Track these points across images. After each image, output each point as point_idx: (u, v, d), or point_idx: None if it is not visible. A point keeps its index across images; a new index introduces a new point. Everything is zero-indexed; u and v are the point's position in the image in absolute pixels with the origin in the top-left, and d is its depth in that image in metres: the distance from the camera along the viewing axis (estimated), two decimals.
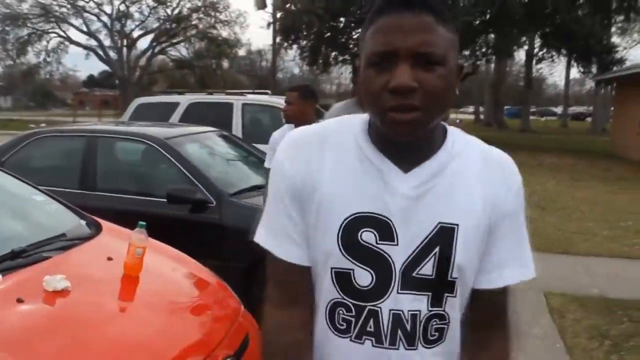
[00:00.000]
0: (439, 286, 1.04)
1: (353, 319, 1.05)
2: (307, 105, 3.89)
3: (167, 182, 4.23)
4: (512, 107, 49.14)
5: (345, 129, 1.09)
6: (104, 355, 1.89)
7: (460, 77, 1.05)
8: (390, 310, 1.04)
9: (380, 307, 1.04)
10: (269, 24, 25.87)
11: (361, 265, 1.03)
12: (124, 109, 9.78)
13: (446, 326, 1.07)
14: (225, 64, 50.37)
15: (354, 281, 1.04)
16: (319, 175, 1.05)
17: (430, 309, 1.04)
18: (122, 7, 41.63)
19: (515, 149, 20.39)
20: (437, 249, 1.03)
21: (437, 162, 1.05)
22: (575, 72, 38.22)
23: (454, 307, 1.07)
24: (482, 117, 38.11)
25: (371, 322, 1.04)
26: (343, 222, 1.03)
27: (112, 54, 43.10)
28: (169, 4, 42.14)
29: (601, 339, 4.12)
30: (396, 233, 1.02)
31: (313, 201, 1.05)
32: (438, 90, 0.96)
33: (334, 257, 1.04)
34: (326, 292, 1.07)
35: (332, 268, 1.05)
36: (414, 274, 1.03)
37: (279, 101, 8.27)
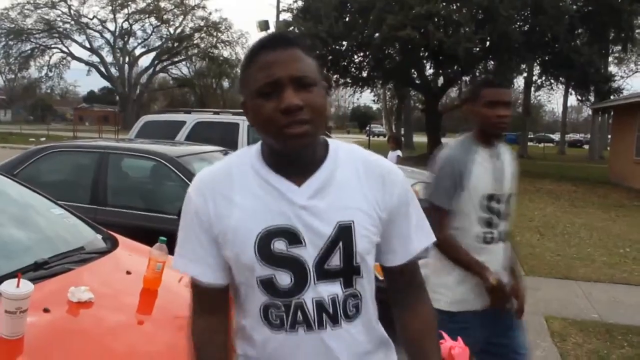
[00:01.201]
0: (348, 272, 1.27)
1: (284, 314, 1.26)
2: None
3: (176, 199, 4.30)
4: (510, 133, 49.45)
5: (243, 160, 1.31)
6: None
7: (328, 95, 1.34)
8: (312, 299, 1.25)
9: (304, 299, 1.25)
10: None
11: (279, 269, 1.25)
12: (124, 126, 9.88)
13: (359, 302, 1.30)
14: (226, 83, 50.80)
15: (277, 284, 1.25)
16: (229, 208, 1.26)
17: (344, 290, 1.27)
18: (126, 25, 42.04)
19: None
20: (340, 244, 1.25)
21: (324, 172, 1.28)
22: (572, 100, 38.57)
23: (363, 285, 1.30)
24: None
25: (299, 313, 1.25)
26: (256, 238, 1.24)
27: (114, 71, 43.42)
28: (171, 23, 42.64)
29: None
30: (302, 237, 1.24)
31: (229, 232, 1.26)
32: (319, 105, 1.21)
33: (257, 268, 1.25)
34: (257, 298, 1.27)
35: (257, 278, 1.26)
36: (325, 267, 1.25)
37: None
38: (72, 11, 40.73)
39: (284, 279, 1.24)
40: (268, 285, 1.25)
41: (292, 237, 1.24)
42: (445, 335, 2.07)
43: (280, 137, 1.19)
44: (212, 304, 1.32)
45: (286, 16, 24.82)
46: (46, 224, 3.05)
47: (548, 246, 8.38)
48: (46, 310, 2.09)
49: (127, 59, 43.68)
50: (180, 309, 2.58)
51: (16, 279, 1.91)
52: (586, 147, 42.64)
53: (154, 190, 4.86)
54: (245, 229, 1.24)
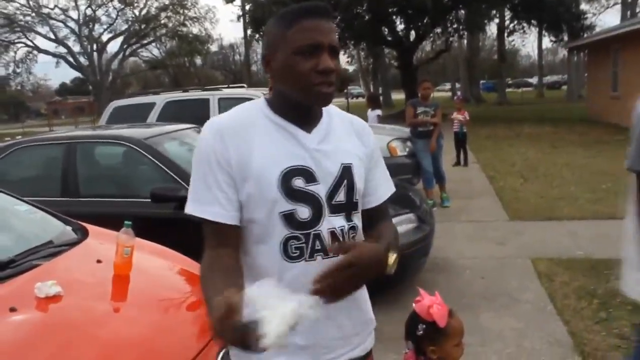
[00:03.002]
0: (349, 207, 1.46)
1: (304, 245, 1.39)
2: None
3: (149, 182, 4.22)
4: (487, 81, 49.45)
5: (253, 111, 1.46)
6: (100, 357, 1.90)
7: None
8: (328, 229, 1.41)
9: (320, 230, 1.40)
10: (238, 17, 25.75)
11: (300, 204, 1.39)
12: (100, 114, 9.70)
13: (356, 233, 1.48)
14: (199, 61, 50.03)
15: (297, 217, 1.39)
16: (250, 152, 1.38)
17: (348, 223, 1.45)
18: (89, 12, 41.04)
19: (494, 122, 20.64)
20: (345, 182, 1.44)
21: (325, 123, 1.48)
22: (547, 42, 38.48)
23: (359, 218, 1.50)
24: (458, 93, 38.29)
25: (317, 242, 1.40)
26: (279, 176, 1.38)
27: (83, 60, 42.53)
28: (135, 4, 41.59)
29: (589, 299, 4.22)
30: (316, 176, 1.41)
31: (251, 171, 1.37)
32: (339, 73, 1.39)
33: (279, 203, 1.37)
34: (278, 233, 1.39)
35: (279, 212, 1.38)
36: (333, 202, 1.43)
37: (255, 93, 8.27)
38: (31, 3, 39.64)
39: (304, 212, 1.39)
40: (290, 218, 1.38)
41: (309, 175, 1.40)
42: (422, 291, 2.04)
43: (311, 92, 1.36)
44: (223, 240, 1.38)
45: None
46: (11, 221, 2.98)
47: (531, 189, 8.42)
48: (12, 309, 2.04)
49: (94, 47, 42.75)
50: (156, 290, 2.56)
51: None
52: (565, 87, 42.70)
53: (124, 176, 4.76)
54: (268, 168, 1.37)
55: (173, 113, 7.75)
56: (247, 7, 24.89)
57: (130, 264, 2.48)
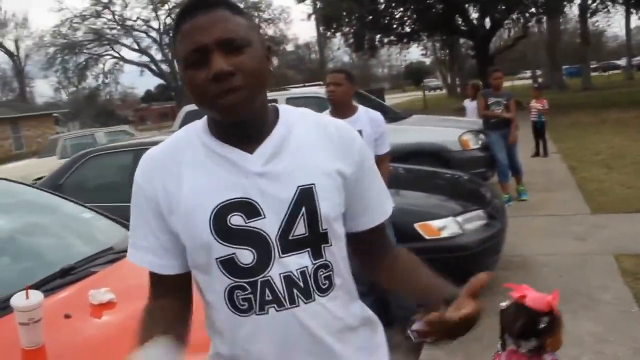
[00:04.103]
0: (315, 240, 1.17)
1: (251, 295, 1.15)
2: (353, 88, 3.84)
3: None
4: (571, 66, 47.16)
5: (190, 134, 1.22)
6: None
7: (271, 56, 1.20)
8: (280, 274, 1.15)
9: (270, 276, 1.15)
10: (309, 16, 25.88)
11: (240, 247, 1.14)
12: None
13: (332, 273, 1.20)
14: (275, 61, 50.82)
15: (238, 263, 1.15)
16: (178, 187, 1.17)
17: (314, 262, 1.17)
18: (169, 20, 42.62)
19: (578, 108, 19.65)
20: (303, 209, 1.15)
21: (277, 137, 1.18)
22: (636, 20, 36.22)
23: (333, 254, 1.20)
24: (540, 80, 36.73)
25: (267, 291, 1.15)
26: (210, 215, 1.14)
27: (165, 67, 44.28)
28: None
29: None
30: (261, 208, 1.14)
31: (180, 211, 1.16)
32: (253, 68, 1.10)
33: (214, 248, 1.14)
34: (219, 282, 1.17)
35: (216, 259, 1.15)
36: (290, 237, 1.15)
37: (321, 91, 8.24)
38: (116, 17, 41.72)
39: (246, 256, 1.14)
40: (229, 265, 1.15)
41: (250, 209, 1.14)
42: (513, 285, 1.94)
43: (215, 107, 1.11)
44: (167, 290, 1.24)
45: None
46: (76, 229, 3.09)
47: (617, 179, 7.90)
48: (67, 316, 2.10)
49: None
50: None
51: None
52: None
53: None
54: (197, 206, 1.15)
55: None
56: (318, 5, 24.98)
57: None
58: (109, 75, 45.40)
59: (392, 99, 37.13)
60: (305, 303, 1.16)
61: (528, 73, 51.22)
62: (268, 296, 1.15)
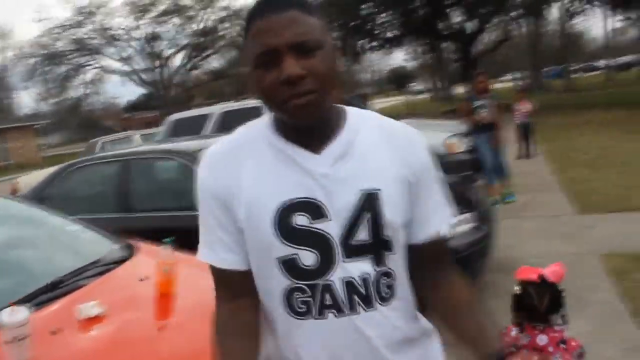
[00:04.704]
0: (377, 247, 1.14)
1: (310, 299, 1.13)
2: (340, 93, 3.82)
3: None
4: (553, 68, 47.63)
5: (254, 132, 1.20)
6: None
7: (340, 56, 1.18)
8: (342, 279, 1.12)
9: (332, 280, 1.12)
10: None
11: (302, 248, 1.12)
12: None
13: (394, 282, 1.17)
14: None
15: (300, 264, 1.12)
16: (240, 182, 1.15)
17: (376, 269, 1.14)
18: (150, 30, 42.48)
19: (561, 110, 19.82)
20: (367, 215, 1.12)
21: (344, 138, 1.15)
22: (616, 21, 36.67)
23: (396, 262, 1.18)
24: (522, 82, 37.05)
25: (327, 296, 1.12)
26: (275, 214, 1.12)
27: (148, 76, 44.08)
28: (196, 19, 42.73)
29: None
30: (326, 210, 1.12)
31: (241, 207, 1.14)
32: (324, 72, 1.08)
33: (276, 247, 1.12)
34: (278, 282, 1.14)
35: (276, 259, 1.13)
36: (352, 242, 1.12)
37: None
38: (97, 26, 41.44)
39: (309, 258, 1.12)
40: (290, 266, 1.13)
41: (315, 210, 1.11)
42: (525, 267, 2.01)
43: (285, 110, 1.09)
44: (235, 289, 1.20)
45: None
46: (61, 242, 3.04)
47: (602, 179, 7.97)
48: (54, 332, 2.06)
49: (157, 63, 44.19)
50: (201, 308, 2.54)
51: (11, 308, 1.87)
52: (637, 68, 40.51)
53: (178, 190, 4.81)
54: (261, 203, 1.12)
55: (229, 123, 7.80)
56: None
57: (172, 281, 2.46)
58: (90, 86, 45.09)
59: (376, 104, 37.26)
60: (366, 311, 1.14)
61: (511, 75, 51.65)
62: (328, 301, 1.12)
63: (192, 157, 4.43)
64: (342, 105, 1.22)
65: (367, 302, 1.14)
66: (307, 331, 1.14)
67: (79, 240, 3.07)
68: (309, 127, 1.13)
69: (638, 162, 8.84)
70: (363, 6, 22.44)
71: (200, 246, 1.22)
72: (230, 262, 1.18)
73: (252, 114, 7.06)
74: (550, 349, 1.93)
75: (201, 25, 43.14)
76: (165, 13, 41.66)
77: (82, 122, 58.41)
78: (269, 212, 1.12)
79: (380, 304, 1.15)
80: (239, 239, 1.17)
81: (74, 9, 40.00)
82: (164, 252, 2.48)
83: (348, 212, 1.12)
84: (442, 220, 1.24)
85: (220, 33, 43.69)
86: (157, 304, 2.45)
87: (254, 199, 1.13)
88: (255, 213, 1.13)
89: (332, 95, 1.11)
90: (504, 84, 46.14)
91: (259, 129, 1.20)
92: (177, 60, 45.08)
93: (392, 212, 1.14)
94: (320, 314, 1.13)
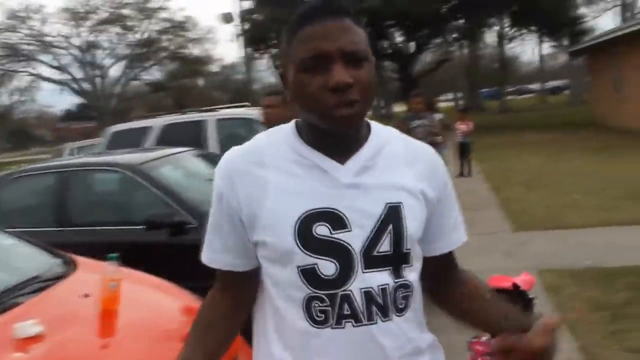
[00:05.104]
0: (397, 259, 1.15)
1: (329, 308, 1.13)
2: (287, 110, 3.83)
3: (144, 208, 4.15)
4: (489, 89, 49.34)
5: (277, 139, 1.20)
6: None
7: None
8: (360, 289, 1.12)
9: (351, 290, 1.12)
10: (237, 37, 25.86)
11: (323, 257, 1.12)
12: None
13: (410, 293, 1.18)
14: (201, 81, 50.26)
15: (320, 274, 1.12)
16: (263, 192, 1.14)
17: (395, 280, 1.15)
18: (90, 38, 41.36)
19: (497, 130, 20.53)
20: (390, 227, 1.13)
21: (369, 151, 1.17)
22: (548, 47, 38.49)
23: (413, 275, 1.19)
24: (461, 102, 38.20)
25: (346, 305, 1.12)
26: (296, 223, 1.11)
27: (86, 86, 42.83)
28: (136, 29, 41.92)
29: (600, 311, 4.08)
30: (348, 220, 1.12)
31: (264, 216, 1.13)
32: (369, 83, 1.09)
33: (297, 256, 1.11)
34: (297, 291, 1.14)
35: (297, 267, 1.12)
36: (374, 253, 1.13)
37: (253, 113, 8.20)
38: (33, 32, 40.01)
39: (329, 268, 1.12)
40: (310, 275, 1.12)
41: (337, 220, 1.12)
42: (497, 276, 2.10)
43: (327, 117, 1.08)
44: (228, 284, 1.25)
45: (247, 4, 24.46)
46: None
47: (537, 198, 8.29)
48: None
49: (97, 72, 43.03)
50: (146, 325, 2.47)
51: None
52: (567, 92, 42.50)
53: (119, 203, 4.69)
54: (282, 212, 1.12)
55: (171, 136, 7.68)
56: (246, 26, 25.01)
57: (118, 298, 2.39)
58: (24, 93, 43.42)
59: None
60: (383, 321, 1.14)
61: (449, 95, 53.14)
62: (346, 310, 1.12)
63: (136, 169, 4.33)
64: (366, 119, 1.23)
65: (384, 313, 1.14)
66: (326, 340, 1.14)
67: (14, 255, 2.93)
68: (340, 138, 1.13)
69: (569, 182, 9.25)
70: None
71: (205, 249, 1.25)
72: (232, 265, 1.22)
73: (194, 127, 6.99)
74: None
75: (142, 36, 42.33)
76: (104, 22, 40.68)
77: (13, 130, 56.08)
78: (290, 221, 1.12)
79: (396, 314, 1.16)
80: (242, 247, 1.19)
81: (7, 13, 38.36)
82: (110, 268, 2.40)
83: (371, 224, 1.13)
84: (459, 237, 1.29)
85: (162, 45, 43.00)
86: (100, 321, 2.37)
87: (277, 207, 1.13)
88: (276, 221, 1.13)
89: (370, 107, 1.14)
90: (443, 103, 47.39)
91: (283, 136, 1.20)
92: (116, 70, 44.07)
93: (413, 226, 1.16)
94: (338, 324, 1.13)
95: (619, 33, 17.93)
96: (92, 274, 2.74)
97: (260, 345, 1.24)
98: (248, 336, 1.34)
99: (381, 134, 1.21)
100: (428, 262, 1.26)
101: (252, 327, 1.28)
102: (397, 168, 1.18)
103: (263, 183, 1.14)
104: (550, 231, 6.46)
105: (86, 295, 2.49)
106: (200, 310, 1.29)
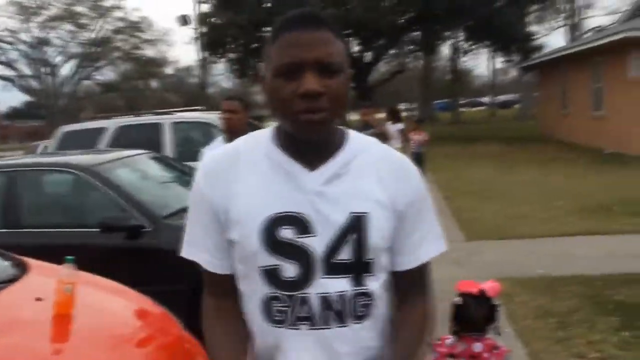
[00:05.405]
0: (358, 268, 1.18)
1: (287, 309, 1.17)
2: (247, 115, 3.83)
3: (99, 211, 4.06)
4: (442, 101, 50.36)
5: (254, 142, 1.25)
6: None
7: (350, 82, 1.22)
8: (318, 294, 1.16)
9: (309, 293, 1.16)
10: (194, 40, 25.62)
11: (285, 260, 1.16)
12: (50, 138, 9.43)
13: (371, 303, 1.21)
14: (154, 83, 49.47)
15: (281, 275, 1.17)
16: (235, 193, 1.19)
17: (354, 288, 1.18)
18: (41, 34, 40.17)
19: (449, 141, 20.93)
20: (352, 236, 1.16)
21: (341, 159, 1.20)
22: (500, 62, 39.61)
23: (375, 285, 1.21)
24: (414, 113, 38.83)
25: (303, 308, 1.17)
26: (262, 224, 1.16)
27: (35, 83, 41.54)
28: (89, 27, 40.96)
29: (548, 318, 4.23)
30: (312, 226, 1.16)
31: (233, 216, 1.19)
32: (340, 94, 1.13)
33: (260, 257, 1.17)
34: (259, 290, 1.19)
35: (259, 267, 1.17)
36: (334, 260, 1.16)
37: (210, 117, 8.14)
38: None
39: (289, 270, 1.17)
40: (271, 276, 1.17)
41: (302, 225, 1.16)
42: (463, 282, 2.18)
43: (294, 122, 1.13)
44: (221, 289, 1.27)
45: (205, 8, 24.26)
46: None
47: (487, 208, 8.50)
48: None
49: (46, 69, 41.80)
50: (102, 329, 2.42)
51: None
52: (516, 106, 43.79)
53: (73, 205, 4.58)
54: (250, 213, 1.17)
55: (126, 138, 7.55)
56: (203, 29, 24.79)
57: (72, 301, 2.32)
58: None
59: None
60: (338, 327, 1.18)
61: (403, 106, 53.91)
62: (303, 313, 1.17)
63: (91, 171, 4.23)
64: (344, 128, 1.27)
65: (340, 319, 1.18)
66: (281, 339, 1.19)
67: None
68: (310, 144, 1.17)
69: (518, 193, 9.53)
70: (263, 28, 22.60)
71: (185, 244, 1.28)
72: (214, 265, 1.25)
73: (150, 130, 6.91)
74: (486, 355, 2.08)
75: (95, 35, 41.38)
76: (55, 18, 39.55)
77: None
78: (256, 222, 1.16)
79: (353, 321, 1.19)
80: (222, 246, 1.23)
81: None
82: (65, 271, 2.33)
83: (334, 231, 1.16)
84: (433, 249, 1.28)
85: (115, 44, 42.12)
86: (54, 325, 2.30)
87: (245, 208, 1.18)
88: (245, 222, 1.17)
89: (339, 117, 1.18)
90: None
91: (261, 140, 1.24)
92: (67, 68, 42.90)
93: (377, 237, 1.18)
94: (294, 325, 1.17)
95: (565, 52, 18.65)
96: (45, 278, 2.67)
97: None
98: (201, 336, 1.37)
99: (357, 143, 1.24)
100: (400, 274, 1.27)
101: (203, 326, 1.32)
102: (368, 178, 1.20)
103: (236, 185, 1.19)
104: (501, 241, 6.64)
105: (39, 299, 2.42)
106: (210, 317, 1.29)
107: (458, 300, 2.31)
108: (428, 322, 1.33)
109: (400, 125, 10.32)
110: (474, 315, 2.24)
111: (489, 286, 2.26)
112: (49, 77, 42.11)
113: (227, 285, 1.26)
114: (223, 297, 1.27)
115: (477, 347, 2.20)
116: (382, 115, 11.03)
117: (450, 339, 2.26)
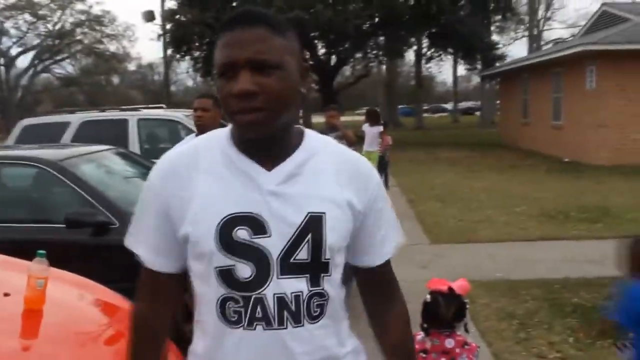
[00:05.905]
0: (315, 268, 1.18)
1: (242, 309, 1.16)
2: (220, 113, 3.80)
3: (64, 206, 3.98)
4: (405, 106, 50.92)
5: (213, 142, 1.24)
6: None
7: (307, 76, 1.23)
8: (274, 294, 1.16)
9: (264, 294, 1.15)
10: (159, 36, 25.26)
11: (240, 260, 1.15)
12: (8, 133, 9.17)
13: (325, 302, 1.20)
14: (116, 79, 48.63)
15: (236, 275, 1.16)
16: (191, 192, 1.18)
17: (310, 288, 1.18)
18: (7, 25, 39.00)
19: (413, 146, 21.21)
20: (309, 236, 1.16)
21: (297, 159, 1.19)
22: (462, 70, 40.32)
23: (331, 284, 1.21)
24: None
25: (259, 308, 1.16)
26: (218, 225, 1.15)
27: None
28: (49, 18, 39.98)
29: (510, 320, 4.35)
30: (268, 226, 1.15)
31: (189, 216, 1.17)
32: (278, 92, 1.11)
33: (216, 257, 1.15)
34: (214, 290, 1.18)
35: (215, 267, 1.16)
36: (291, 260, 1.16)
37: (175, 114, 8.07)
38: None
39: (245, 270, 1.15)
40: (227, 276, 1.16)
41: (257, 225, 1.15)
42: (435, 280, 2.24)
43: (234, 122, 1.15)
44: (156, 290, 1.27)
45: (171, 4, 23.98)
46: None
47: (450, 212, 8.65)
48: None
49: (1, 60, 40.57)
50: (72, 325, 2.38)
51: None
52: (478, 113, 44.61)
53: (37, 200, 4.48)
54: (206, 213, 1.16)
55: (90, 134, 7.41)
56: (168, 26, 24.48)
57: (44, 297, 2.28)
58: None
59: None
60: (293, 327, 1.17)
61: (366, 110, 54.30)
62: (258, 313, 1.16)
63: (57, 166, 4.15)
64: (302, 127, 1.26)
65: (296, 319, 1.17)
66: (237, 340, 1.18)
67: None
68: (260, 143, 1.16)
69: (480, 198, 9.75)
70: None
71: (129, 235, 1.27)
72: (151, 262, 1.25)
73: (115, 125, 6.81)
74: (458, 350, 2.14)
75: (55, 27, 40.39)
76: (13, 7, 38.41)
77: None
78: (212, 223, 1.15)
79: (308, 321, 1.18)
80: (168, 244, 1.22)
81: None
82: (37, 266, 2.29)
83: (290, 231, 1.15)
84: (391, 245, 1.31)
85: (76, 38, 41.18)
86: (23, 321, 2.26)
87: (201, 208, 1.16)
88: (200, 222, 1.16)
89: (284, 114, 1.14)
90: (361, 116, 48.37)
91: (218, 139, 1.23)
92: (24, 60, 41.74)
93: (333, 237, 1.18)
94: (250, 325, 1.16)
95: (527, 62, 19.14)
96: (11, 272, 2.61)
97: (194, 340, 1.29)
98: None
99: (314, 142, 1.24)
100: (364, 273, 1.31)
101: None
102: (325, 177, 1.20)
103: (193, 184, 1.18)
104: (463, 244, 6.78)
105: (6, 294, 2.37)
106: (138, 323, 1.29)
107: (428, 297, 2.38)
108: (408, 318, 1.37)
109: (379, 128, 10.42)
110: (443, 312, 2.30)
111: (458, 285, 2.34)
112: (3, 69, 40.88)
113: (164, 287, 1.26)
114: (154, 303, 1.26)
115: (450, 343, 2.26)
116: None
117: (420, 335, 2.33)
